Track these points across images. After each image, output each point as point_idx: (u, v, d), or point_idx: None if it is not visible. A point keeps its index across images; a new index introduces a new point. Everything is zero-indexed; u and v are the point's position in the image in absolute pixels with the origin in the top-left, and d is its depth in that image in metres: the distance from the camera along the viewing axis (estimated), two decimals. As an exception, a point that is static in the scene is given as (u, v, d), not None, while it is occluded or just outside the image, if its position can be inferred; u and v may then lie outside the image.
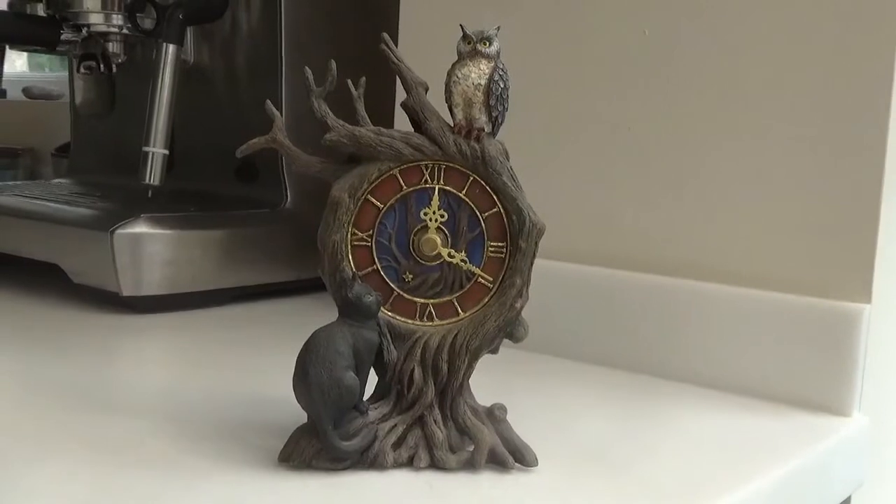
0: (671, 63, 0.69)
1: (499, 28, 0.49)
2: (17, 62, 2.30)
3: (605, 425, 0.59)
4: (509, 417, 0.50)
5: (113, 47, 0.98)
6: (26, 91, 1.87)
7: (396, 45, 0.50)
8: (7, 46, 1.18)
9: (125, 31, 0.96)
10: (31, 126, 1.69)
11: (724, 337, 0.66)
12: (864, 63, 0.61)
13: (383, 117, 0.54)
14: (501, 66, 0.49)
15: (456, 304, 0.50)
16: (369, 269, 0.50)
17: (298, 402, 0.47)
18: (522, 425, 0.50)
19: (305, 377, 0.46)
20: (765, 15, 0.65)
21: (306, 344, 0.47)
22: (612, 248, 0.72)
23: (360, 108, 0.50)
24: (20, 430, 0.54)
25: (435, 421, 0.49)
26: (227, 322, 0.84)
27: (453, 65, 0.49)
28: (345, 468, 0.48)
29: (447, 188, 0.49)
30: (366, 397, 0.49)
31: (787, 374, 0.64)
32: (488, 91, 0.49)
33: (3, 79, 1.98)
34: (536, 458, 0.49)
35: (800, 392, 0.63)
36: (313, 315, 0.48)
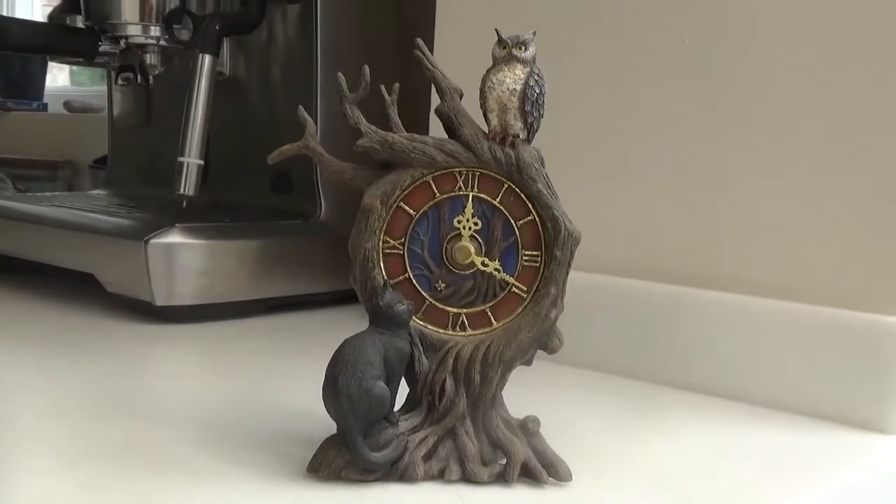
0: (710, 73, 0.68)
1: (535, 33, 0.49)
2: (59, 77, 2.34)
3: (640, 439, 0.58)
4: (549, 433, 0.49)
5: (150, 59, 0.99)
6: (67, 105, 1.89)
7: (432, 52, 0.50)
8: (48, 58, 1.19)
9: (162, 42, 0.96)
10: (71, 139, 1.72)
11: (758, 350, 0.65)
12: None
13: (419, 125, 0.53)
14: (537, 72, 0.48)
15: (489, 313, 0.49)
16: (401, 277, 0.49)
17: (328, 411, 0.46)
18: (555, 439, 0.49)
19: (335, 386, 0.45)
20: (804, 25, 0.63)
21: (336, 353, 0.46)
22: (644, 259, 0.71)
23: (394, 113, 0.49)
24: (53, 436, 0.53)
25: (466, 433, 0.48)
26: (259, 333, 0.84)
27: (488, 70, 0.48)
28: (374, 480, 0.47)
29: (481, 195, 0.49)
30: (396, 408, 0.48)
31: (828, 390, 0.62)
32: (524, 97, 0.48)
33: (46, 93, 2.02)
34: (570, 473, 0.48)
35: (840, 408, 0.61)
36: (346, 326, 0.48)
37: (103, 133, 1.23)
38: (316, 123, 0.50)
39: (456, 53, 0.67)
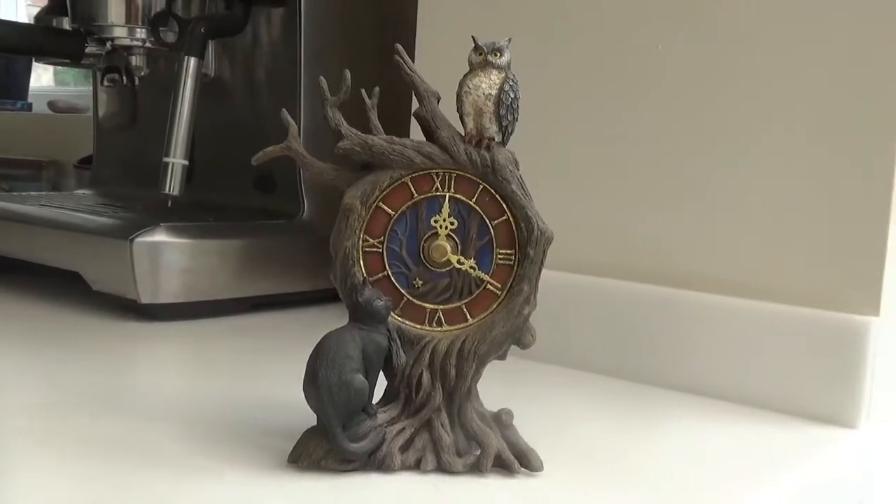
0: (683, 76, 0.69)
1: (510, 40, 0.50)
2: (44, 77, 2.34)
3: (612, 433, 0.60)
4: (517, 424, 0.51)
5: (136, 61, 1.00)
6: (51, 105, 1.90)
7: (413, 58, 0.51)
8: (33, 59, 1.20)
9: (148, 44, 0.97)
10: (56, 139, 1.72)
11: (731, 348, 0.66)
12: (874, 78, 0.61)
13: (399, 127, 0.55)
14: (512, 77, 0.50)
15: (465, 310, 0.51)
16: (380, 274, 0.51)
17: (308, 403, 0.48)
18: (529, 432, 0.51)
19: (315, 379, 0.47)
20: (777, 29, 0.65)
21: (317, 347, 0.48)
22: (620, 258, 0.73)
23: (374, 117, 0.51)
24: (38, 432, 0.55)
25: (442, 425, 0.50)
26: (242, 330, 0.85)
27: (465, 75, 0.50)
28: (353, 469, 0.49)
29: (457, 196, 0.50)
30: (375, 400, 0.50)
31: (795, 386, 0.64)
32: (499, 101, 0.50)
33: (30, 93, 2.02)
34: (542, 463, 0.50)
35: (807, 404, 0.63)
36: (328, 325, 0.49)
37: (88, 133, 1.24)
38: (299, 125, 0.52)
39: (436, 58, 0.69)
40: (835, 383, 0.62)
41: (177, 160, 0.88)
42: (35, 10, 1.22)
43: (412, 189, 0.50)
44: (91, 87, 1.22)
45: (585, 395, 0.68)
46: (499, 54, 0.50)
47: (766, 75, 0.66)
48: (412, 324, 0.51)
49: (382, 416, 0.50)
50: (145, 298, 0.83)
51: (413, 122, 0.52)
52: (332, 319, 0.51)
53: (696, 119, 0.69)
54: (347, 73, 0.50)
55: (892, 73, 0.61)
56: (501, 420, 0.51)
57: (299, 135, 0.51)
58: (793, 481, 0.55)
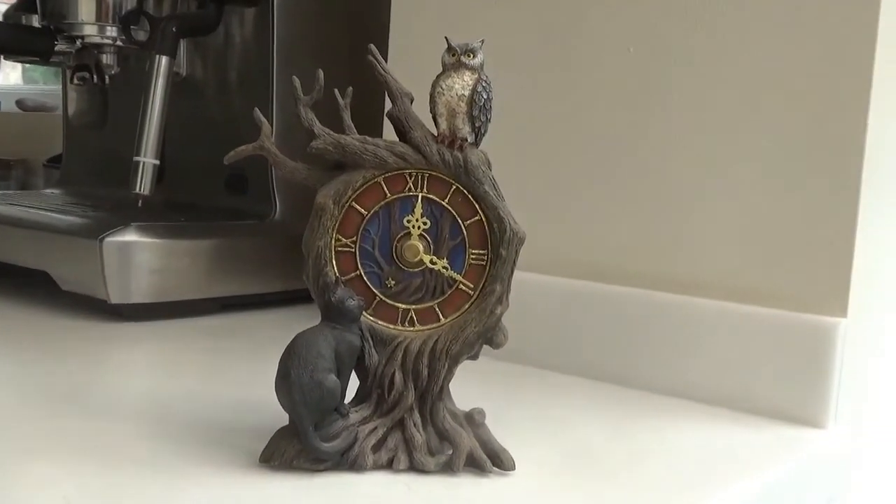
0: (654, 78, 0.70)
1: (483, 41, 0.51)
2: (12, 75, 2.32)
3: (584, 434, 0.60)
4: (493, 425, 0.51)
5: (106, 59, 0.99)
6: (20, 103, 1.88)
7: (387, 58, 0.51)
8: (2, 57, 1.19)
9: (119, 42, 0.97)
10: (24, 138, 1.70)
11: (701, 350, 0.67)
12: (841, 80, 0.62)
13: (373, 127, 0.55)
14: (485, 78, 0.50)
15: (437, 309, 0.51)
16: (353, 274, 0.51)
17: (280, 403, 0.48)
18: (503, 432, 0.51)
19: (287, 378, 0.47)
20: (744, 32, 0.66)
21: (289, 346, 0.48)
22: (591, 260, 0.73)
23: (347, 116, 0.51)
24: (4, 432, 0.54)
25: (415, 424, 0.50)
26: (213, 331, 0.84)
27: (438, 76, 0.50)
28: (325, 469, 0.48)
29: (430, 196, 0.51)
30: (347, 400, 0.50)
31: (764, 387, 0.64)
32: (471, 102, 0.50)
33: (-2, 91, 1.99)
34: (514, 463, 0.50)
35: (776, 404, 0.64)
36: (300, 325, 0.49)
37: (57, 132, 1.23)
38: (272, 125, 0.52)
39: (409, 59, 0.69)
40: (803, 384, 0.63)
41: (147, 159, 0.88)
42: (4, 7, 1.20)
43: (385, 189, 0.50)
44: (60, 86, 1.21)
45: (559, 396, 0.68)
46: (472, 55, 0.50)
47: (738, 81, 0.66)
48: (385, 323, 0.51)
49: (355, 416, 0.50)
50: (115, 298, 0.82)
51: (386, 122, 0.52)
52: (303, 320, 0.51)
53: (667, 123, 0.70)
54: (320, 73, 0.50)
55: (858, 77, 0.61)
56: (474, 419, 0.51)
57: (272, 134, 0.51)
58: (761, 481, 0.55)
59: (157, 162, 0.88)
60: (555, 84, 0.75)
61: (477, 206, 0.50)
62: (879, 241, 0.66)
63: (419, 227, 0.51)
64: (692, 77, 0.68)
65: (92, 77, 1.00)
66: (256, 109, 0.51)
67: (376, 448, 0.49)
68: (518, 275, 0.51)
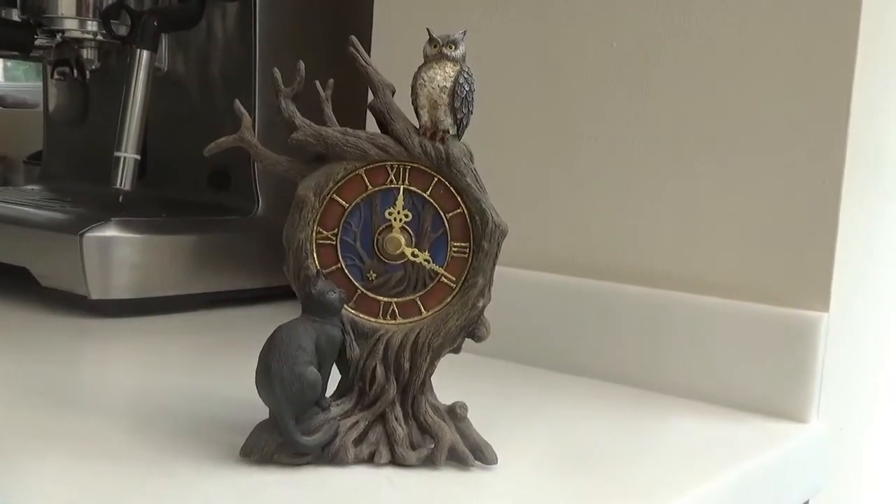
0: (642, 74, 0.70)
1: (465, 32, 0.50)
2: (-7, 72, 2.30)
3: (567, 429, 0.60)
4: (478, 420, 0.51)
5: (87, 53, 0.99)
6: (0, 100, 1.86)
7: (369, 50, 0.51)
8: (-19, 52, 1.18)
9: (99, 37, 0.96)
10: (4, 134, 1.69)
11: (684, 344, 0.67)
12: (823, 78, 0.62)
13: (356, 120, 0.55)
14: (467, 70, 0.50)
15: (419, 302, 0.51)
16: (334, 267, 0.51)
17: (260, 396, 0.48)
18: (486, 427, 0.51)
19: (267, 372, 0.47)
20: (729, 30, 0.66)
21: (269, 339, 0.48)
22: (578, 256, 0.73)
23: (328, 108, 0.50)
24: (-17, 426, 0.54)
25: (396, 418, 0.50)
26: (195, 327, 0.84)
27: (420, 67, 0.50)
28: (306, 463, 0.48)
29: (412, 188, 0.50)
30: (329, 394, 0.50)
31: (747, 381, 0.64)
32: (453, 94, 0.49)
33: (-22, 87, 1.98)
34: (496, 457, 0.50)
35: (759, 398, 0.64)
36: (282, 321, 0.49)
37: (37, 128, 1.22)
38: (254, 117, 0.51)
39: (392, 50, 0.69)
40: (786, 378, 0.63)
41: (128, 154, 0.87)
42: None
43: (366, 181, 0.50)
44: (41, 82, 1.20)
45: (544, 391, 0.68)
46: (454, 47, 0.50)
47: (721, 80, 0.66)
48: (366, 317, 0.51)
49: (336, 410, 0.49)
50: (95, 294, 0.82)
51: (368, 114, 0.52)
52: (285, 316, 0.51)
53: (653, 118, 0.69)
54: (301, 65, 0.50)
55: (839, 74, 0.62)
56: (456, 413, 0.50)
57: (253, 128, 0.51)
58: (742, 474, 0.55)
59: (138, 157, 0.87)
60: (538, 76, 0.75)
61: (459, 198, 0.50)
62: (862, 236, 0.67)
63: (401, 220, 0.50)
64: (675, 73, 0.68)
65: (72, 72, 1.00)
66: (237, 101, 0.51)
67: (357, 442, 0.49)
68: (501, 269, 0.51)
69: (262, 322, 0.84)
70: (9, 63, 2.12)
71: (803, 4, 0.63)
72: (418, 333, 0.50)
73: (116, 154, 0.87)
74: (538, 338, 0.73)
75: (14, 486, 0.45)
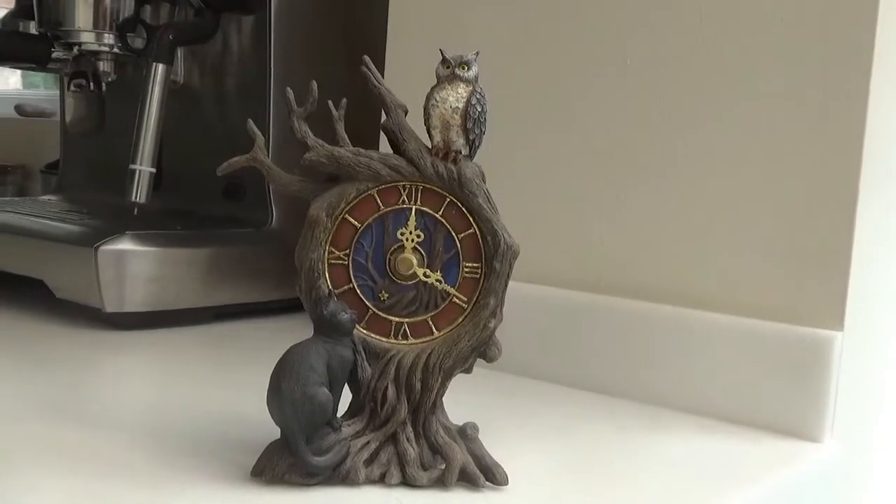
0: (650, 92, 0.70)
1: (477, 53, 0.50)
2: (11, 80, 2.31)
3: (579, 447, 0.60)
4: (485, 437, 0.51)
5: (103, 66, 0.99)
6: (18, 108, 1.87)
7: (383, 70, 0.51)
8: (-1, 63, 1.19)
9: (116, 50, 0.96)
10: (22, 143, 1.70)
11: (697, 362, 0.67)
12: (838, 91, 0.62)
13: (369, 140, 0.55)
14: (479, 91, 0.50)
15: (430, 323, 0.51)
16: (345, 287, 0.51)
17: (272, 416, 0.48)
18: (496, 445, 0.51)
19: (279, 392, 0.47)
20: (738, 44, 0.66)
21: (281, 359, 0.48)
22: (587, 272, 0.73)
23: (340, 128, 0.51)
24: (-2, 441, 0.54)
25: (407, 438, 0.50)
26: (209, 340, 0.84)
27: (432, 88, 0.50)
28: (317, 483, 0.48)
29: (424, 209, 0.50)
30: (340, 414, 0.50)
31: (761, 400, 0.64)
32: (466, 114, 0.49)
33: (-4, 96, 1.99)
34: (507, 477, 0.50)
35: (773, 418, 0.64)
36: (294, 334, 0.49)
37: (56, 138, 1.22)
38: (268, 133, 0.52)
39: (406, 70, 0.69)
40: (799, 397, 0.63)
41: (144, 167, 0.87)
42: (1, 14, 1.20)
43: (378, 201, 0.50)
44: (59, 90, 1.21)
45: (551, 408, 0.68)
46: (466, 67, 0.50)
47: (731, 90, 0.66)
48: (378, 337, 0.51)
49: (347, 430, 0.49)
50: (110, 307, 0.82)
51: (381, 133, 0.52)
52: (299, 329, 0.51)
53: (663, 135, 0.69)
54: (314, 85, 0.50)
55: (855, 87, 0.61)
56: (467, 434, 0.50)
57: (268, 143, 0.51)
58: (756, 495, 0.55)
59: (153, 170, 0.88)
60: (550, 96, 0.75)
61: (471, 218, 0.50)
62: (876, 255, 0.66)
63: (413, 240, 0.50)
64: (688, 91, 0.68)
65: (89, 84, 1.00)
66: (250, 121, 0.51)
67: (368, 462, 0.49)
68: (513, 285, 0.51)
69: (276, 335, 0.86)
70: (28, 70, 2.13)
71: (818, 20, 0.63)
72: (430, 354, 0.50)
73: (132, 167, 0.87)
74: (548, 353, 0.73)
75: (22, 500, 0.46)
